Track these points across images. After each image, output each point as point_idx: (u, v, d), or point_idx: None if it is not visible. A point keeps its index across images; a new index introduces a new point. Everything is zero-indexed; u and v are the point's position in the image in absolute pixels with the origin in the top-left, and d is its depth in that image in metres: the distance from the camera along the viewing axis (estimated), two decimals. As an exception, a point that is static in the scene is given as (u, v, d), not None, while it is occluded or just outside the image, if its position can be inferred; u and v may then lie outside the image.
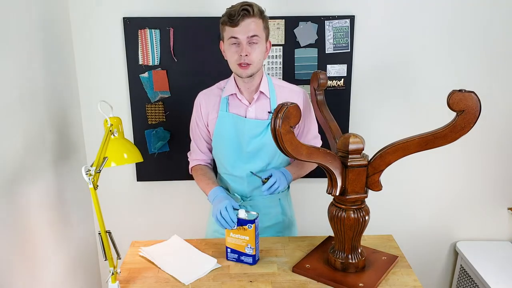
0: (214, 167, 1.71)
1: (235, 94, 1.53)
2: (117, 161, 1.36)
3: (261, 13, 1.41)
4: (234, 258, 1.45)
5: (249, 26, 1.38)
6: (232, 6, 1.41)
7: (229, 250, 1.44)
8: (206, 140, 1.65)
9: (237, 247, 1.43)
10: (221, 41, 1.49)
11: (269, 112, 1.54)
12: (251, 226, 1.36)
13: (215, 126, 1.56)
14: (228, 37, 1.41)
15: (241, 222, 1.38)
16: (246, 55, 1.40)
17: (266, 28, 1.45)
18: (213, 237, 1.71)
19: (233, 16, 1.36)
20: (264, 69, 2.03)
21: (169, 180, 2.17)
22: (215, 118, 1.56)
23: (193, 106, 1.63)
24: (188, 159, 1.72)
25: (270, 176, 1.47)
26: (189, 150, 1.72)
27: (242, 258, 1.43)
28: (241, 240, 1.42)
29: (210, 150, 1.67)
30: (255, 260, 1.41)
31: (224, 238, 1.48)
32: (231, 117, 1.54)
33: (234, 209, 1.41)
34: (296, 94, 1.58)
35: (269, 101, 1.54)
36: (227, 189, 1.66)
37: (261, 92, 1.53)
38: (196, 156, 1.67)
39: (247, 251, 1.41)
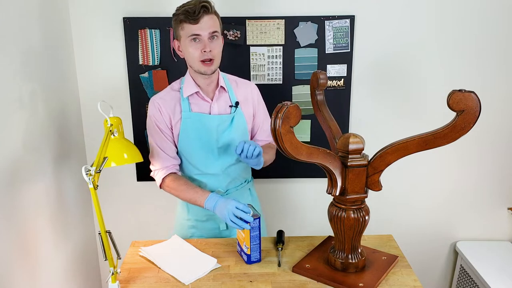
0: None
1: (198, 92, 1.53)
2: (117, 161, 1.36)
3: (215, 10, 1.45)
4: (238, 250, 1.48)
5: (208, 22, 1.40)
6: (185, 4, 1.42)
7: (237, 241, 1.48)
8: (173, 144, 1.58)
9: (240, 240, 1.45)
10: (174, 40, 1.49)
11: (230, 106, 1.56)
12: (248, 226, 1.36)
13: (181, 128, 1.53)
14: (188, 34, 1.42)
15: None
16: (210, 50, 1.42)
17: (221, 24, 1.49)
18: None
19: (194, 14, 1.38)
20: (264, 69, 2.03)
21: (169, 180, 2.16)
22: (179, 120, 1.53)
23: (148, 113, 1.56)
24: (152, 173, 1.60)
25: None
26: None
27: (242, 253, 1.44)
28: (241, 235, 1.42)
29: (177, 154, 1.61)
30: (250, 260, 1.41)
31: (215, 239, 1.53)
32: (196, 117, 1.53)
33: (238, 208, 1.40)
34: (251, 86, 1.65)
35: (228, 95, 1.57)
36: None
37: (221, 87, 1.55)
38: (166, 163, 1.56)
39: (244, 248, 1.42)
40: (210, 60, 1.44)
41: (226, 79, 1.60)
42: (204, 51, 1.42)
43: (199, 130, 1.53)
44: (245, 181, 1.70)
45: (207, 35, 1.41)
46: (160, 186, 1.59)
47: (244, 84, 1.64)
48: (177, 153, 1.60)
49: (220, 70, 1.58)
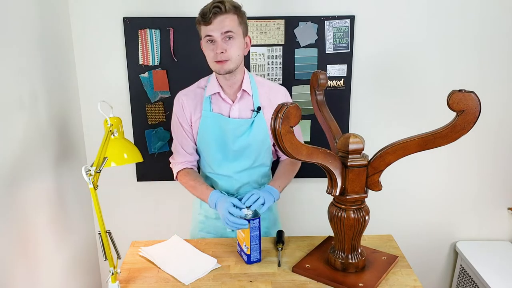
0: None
1: (219, 93, 1.53)
2: (117, 161, 1.36)
3: (235, 9, 1.40)
4: (238, 250, 1.48)
5: (222, 22, 1.37)
6: (206, 4, 1.40)
7: (237, 241, 1.47)
8: (192, 141, 1.62)
9: (240, 240, 1.45)
10: (201, 41, 1.49)
11: (252, 110, 1.53)
12: (246, 226, 1.36)
13: (199, 126, 1.55)
14: (203, 35, 1.42)
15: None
16: (222, 52, 1.39)
17: (243, 24, 1.44)
18: (199, 237, 1.73)
19: (205, 15, 1.37)
20: (264, 69, 2.03)
21: (169, 180, 2.16)
22: (199, 118, 1.55)
23: (173, 107, 1.60)
24: (171, 164, 1.67)
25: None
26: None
27: (242, 253, 1.44)
28: (241, 235, 1.42)
29: (196, 151, 1.65)
30: (250, 260, 1.41)
31: (210, 239, 1.54)
32: (214, 117, 1.53)
33: (237, 206, 1.40)
34: (279, 92, 1.59)
35: (252, 99, 1.54)
36: (214, 188, 1.65)
37: (244, 90, 1.53)
38: (182, 159, 1.62)
39: (244, 248, 1.41)
40: (224, 60, 1.41)
41: (254, 82, 1.56)
42: (217, 52, 1.40)
43: (216, 131, 1.54)
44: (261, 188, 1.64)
45: (219, 36, 1.38)
46: (176, 178, 1.65)
47: (272, 89, 1.58)
48: (197, 150, 1.64)
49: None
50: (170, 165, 1.67)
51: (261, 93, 1.56)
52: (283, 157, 1.69)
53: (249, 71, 2.03)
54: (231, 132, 1.53)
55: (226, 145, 1.55)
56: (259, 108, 1.53)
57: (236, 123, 1.52)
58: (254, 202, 1.41)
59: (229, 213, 1.37)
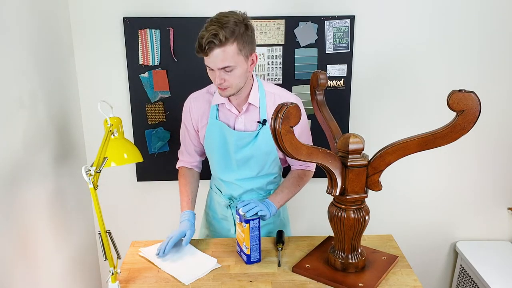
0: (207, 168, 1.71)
1: (224, 103, 1.50)
2: (117, 161, 1.36)
3: (233, 34, 1.29)
4: (238, 251, 1.48)
5: (218, 57, 1.30)
6: (203, 29, 1.31)
7: (237, 241, 1.47)
8: (194, 143, 1.63)
9: (239, 241, 1.45)
10: None
11: (258, 122, 1.50)
12: (245, 225, 1.37)
13: (205, 133, 1.55)
14: (204, 62, 1.36)
15: (241, 218, 1.39)
16: (220, 83, 1.35)
17: (246, 47, 1.34)
18: (204, 237, 1.77)
19: (201, 47, 1.30)
20: (264, 69, 2.03)
21: (169, 180, 2.17)
22: (205, 125, 1.54)
23: (183, 108, 1.60)
24: (178, 155, 1.72)
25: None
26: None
27: (242, 253, 1.44)
28: (241, 235, 1.42)
29: (198, 153, 1.67)
30: (250, 260, 1.41)
31: (215, 239, 1.55)
32: (219, 125, 1.51)
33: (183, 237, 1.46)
34: (286, 100, 1.49)
35: (259, 111, 1.49)
36: (220, 191, 1.67)
37: (250, 104, 1.48)
38: (183, 158, 1.68)
39: (244, 249, 1.41)
40: (225, 88, 1.37)
41: (263, 92, 1.50)
42: (216, 82, 1.36)
43: (220, 139, 1.53)
44: (267, 195, 1.63)
45: (216, 69, 1.33)
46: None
47: (281, 98, 1.49)
48: (203, 153, 1.67)
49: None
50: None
51: (269, 104, 1.50)
52: (293, 166, 1.65)
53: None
54: (233, 142, 1.51)
55: (229, 154, 1.55)
56: (264, 121, 1.49)
57: (238, 135, 1.50)
58: (248, 210, 1.39)
59: (170, 240, 1.44)
